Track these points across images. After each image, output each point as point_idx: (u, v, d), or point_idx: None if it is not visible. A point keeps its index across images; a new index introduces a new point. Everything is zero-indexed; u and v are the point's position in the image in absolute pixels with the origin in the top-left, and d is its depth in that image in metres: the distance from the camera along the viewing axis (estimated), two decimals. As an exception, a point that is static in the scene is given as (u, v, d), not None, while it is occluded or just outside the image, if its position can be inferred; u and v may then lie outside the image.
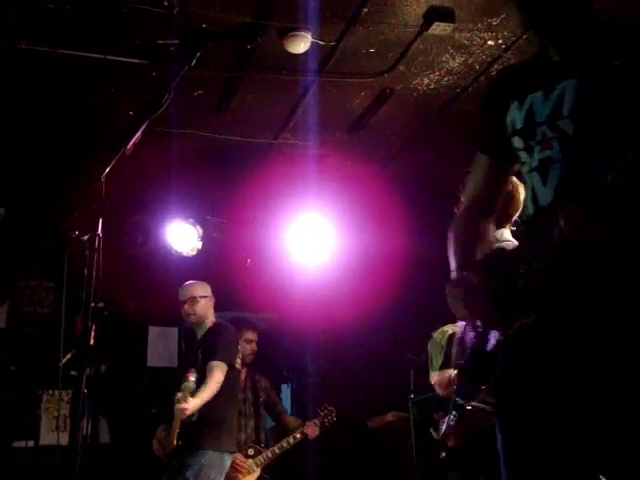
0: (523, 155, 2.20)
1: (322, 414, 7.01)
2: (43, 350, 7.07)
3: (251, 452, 6.69)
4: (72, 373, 6.19)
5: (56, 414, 7.34)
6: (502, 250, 2.19)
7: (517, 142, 2.21)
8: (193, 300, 5.81)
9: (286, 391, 9.41)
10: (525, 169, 2.21)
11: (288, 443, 6.84)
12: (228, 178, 7.39)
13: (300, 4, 4.74)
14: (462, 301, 2.11)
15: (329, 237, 7.87)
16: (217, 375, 5.46)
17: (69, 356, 5.61)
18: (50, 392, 7.35)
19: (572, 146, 2.03)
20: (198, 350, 5.67)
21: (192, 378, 5.37)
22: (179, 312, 5.95)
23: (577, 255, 1.85)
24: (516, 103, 2.22)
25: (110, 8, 4.70)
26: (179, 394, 5.33)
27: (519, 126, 2.20)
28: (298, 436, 6.86)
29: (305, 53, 5.19)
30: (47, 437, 7.37)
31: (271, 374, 7.69)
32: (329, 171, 7.35)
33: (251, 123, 6.43)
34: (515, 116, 2.21)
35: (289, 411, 9.12)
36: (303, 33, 5.02)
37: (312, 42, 5.09)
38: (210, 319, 5.83)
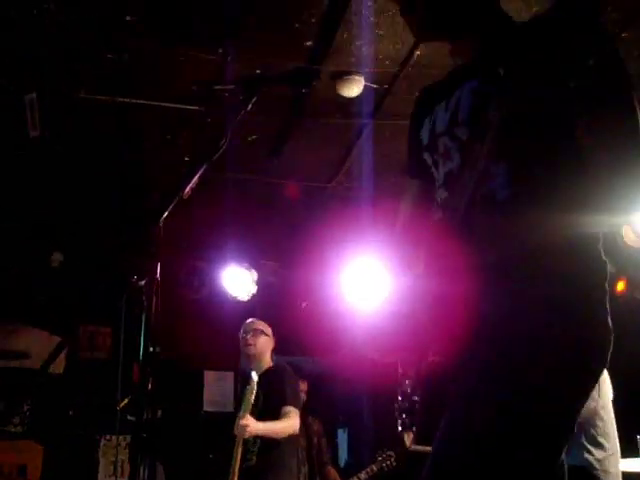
0: (434, 171, 2.11)
1: (380, 459, 6.89)
2: (101, 395, 7.13)
3: None
4: (129, 418, 6.24)
5: (113, 459, 7.37)
6: None
7: (427, 158, 2.12)
8: (256, 332, 5.74)
9: (342, 436, 9.33)
10: (436, 185, 2.10)
11: None
12: (282, 222, 7.43)
13: (353, 48, 4.77)
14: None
15: (384, 281, 7.82)
16: (294, 420, 5.33)
17: (126, 401, 5.64)
18: (107, 437, 7.39)
19: (467, 154, 1.90)
20: (259, 390, 5.57)
21: (254, 388, 5.25)
22: (235, 356, 5.93)
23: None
24: (427, 118, 2.12)
25: (166, 56, 4.79)
26: (242, 407, 5.23)
27: (425, 141, 2.11)
28: None
29: (358, 96, 5.22)
30: (104, 482, 7.39)
31: (327, 418, 7.63)
32: (383, 214, 7.33)
33: (305, 167, 6.46)
34: (423, 132, 2.13)
35: (346, 456, 9.03)
36: (356, 77, 5.04)
37: (365, 85, 5.12)
38: (268, 359, 5.76)
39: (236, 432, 5.17)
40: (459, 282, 1.84)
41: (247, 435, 5.15)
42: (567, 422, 1.80)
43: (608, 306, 1.85)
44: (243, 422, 5.14)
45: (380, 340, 2.04)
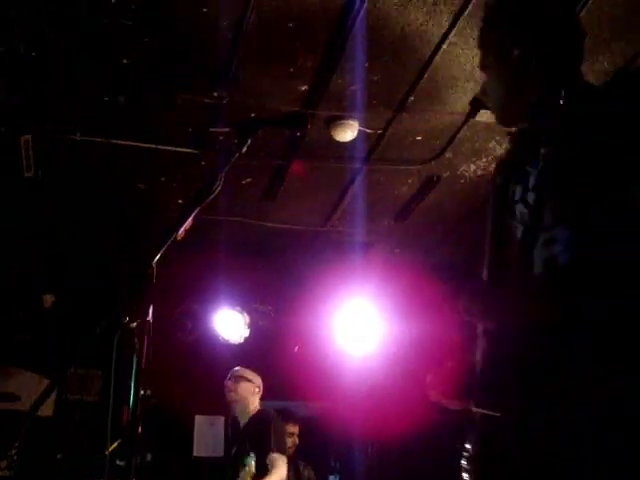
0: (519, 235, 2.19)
1: None
2: (90, 439, 7.04)
3: None
4: (118, 463, 6.16)
5: (101, 504, 7.25)
6: None
7: (514, 227, 2.20)
8: (237, 379, 5.76)
9: (334, 483, 9.21)
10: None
11: None
12: (276, 265, 7.42)
13: (347, 93, 4.81)
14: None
15: (376, 325, 7.81)
16: (281, 469, 5.30)
17: (115, 445, 5.57)
18: (96, 482, 7.29)
19: (533, 217, 2.01)
20: (244, 437, 5.54)
21: (252, 462, 5.23)
22: (226, 400, 5.89)
23: None
24: (511, 186, 2.21)
25: (161, 99, 4.81)
26: None
27: (512, 210, 2.19)
28: None
29: (352, 141, 5.25)
30: (92, 528, 7.28)
31: (318, 464, 7.54)
32: (376, 259, 7.34)
33: (299, 211, 6.47)
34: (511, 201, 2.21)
35: (337, 503, 8.90)
36: (350, 121, 5.08)
37: (359, 130, 5.15)
38: (254, 406, 5.73)
39: None
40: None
41: None
42: None
43: None
44: None
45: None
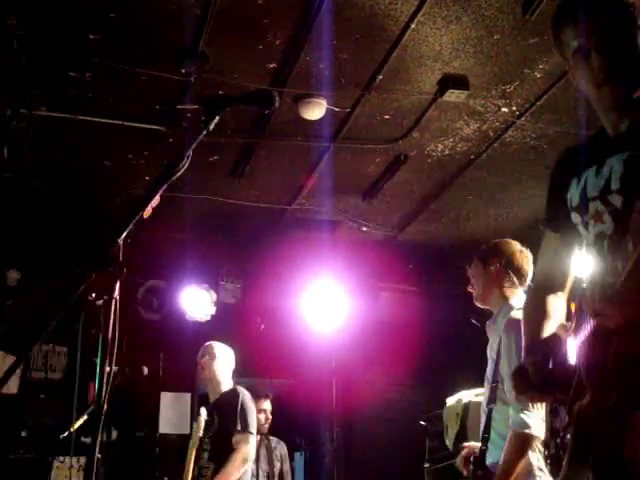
0: (582, 230, 2.25)
1: None
2: (55, 416, 7.02)
3: None
4: (83, 440, 6.15)
5: (66, 481, 7.24)
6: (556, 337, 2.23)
7: (575, 218, 2.26)
8: (212, 356, 5.71)
9: (299, 459, 9.27)
10: (585, 243, 2.27)
11: None
12: (242, 243, 7.42)
13: (315, 71, 4.80)
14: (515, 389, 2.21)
15: (343, 303, 7.85)
16: (244, 449, 5.30)
17: (81, 422, 5.56)
18: (61, 459, 7.26)
19: (622, 220, 2.05)
20: (213, 413, 5.53)
21: (200, 426, 5.24)
22: (192, 377, 5.88)
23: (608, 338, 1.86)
24: (575, 180, 2.26)
25: (129, 76, 4.77)
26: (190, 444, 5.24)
27: (575, 203, 2.24)
28: None
29: (320, 119, 5.25)
30: (56, 505, 7.26)
31: (284, 442, 7.59)
32: (343, 237, 7.36)
33: (266, 189, 6.47)
34: (573, 193, 2.26)
35: (302, 480, 8.95)
36: (318, 100, 5.08)
37: (327, 108, 5.15)
38: (224, 382, 5.71)
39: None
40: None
41: None
42: None
43: None
44: None
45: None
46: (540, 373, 2.11)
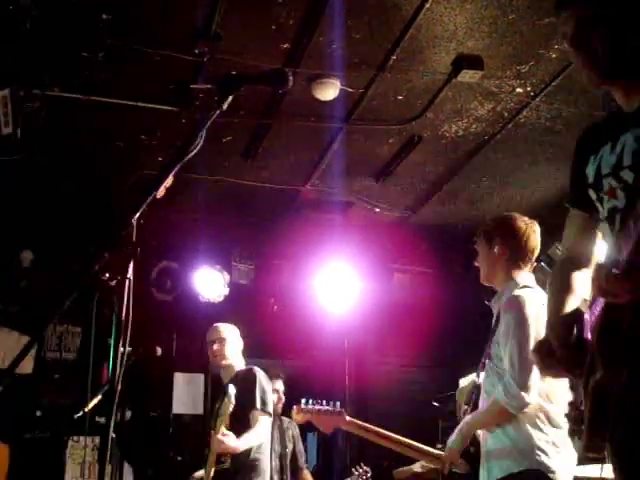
0: (598, 206, 2.28)
1: (357, 474, 6.74)
2: (69, 396, 7.06)
3: None
4: (97, 419, 6.19)
5: (81, 461, 7.30)
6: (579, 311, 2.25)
7: (592, 194, 2.29)
8: (222, 341, 5.68)
9: (312, 440, 9.32)
10: (600, 218, 2.30)
11: None
12: (255, 224, 7.42)
13: (329, 51, 4.78)
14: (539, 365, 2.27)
15: (356, 284, 7.85)
16: (261, 427, 5.31)
17: (95, 402, 5.58)
18: (75, 438, 7.32)
19: (635, 195, 2.07)
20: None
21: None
22: (205, 358, 5.87)
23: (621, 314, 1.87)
24: (592, 157, 2.29)
25: (142, 56, 4.76)
26: (218, 420, 5.18)
27: (591, 179, 2.27)
28: None
29: (333, 100, 5.22)
30: (72, 484, 7.32)
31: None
32: (356, 218, 7.35)
33: (279, 170, 6.45)
34: (589, 170, 2.29)
35: (315, 460, 8.99)
36: (332, 80, 5.05)
37: (340, 89, 5.12)
38: (237, 363, 5.71)
39: (212, 446, 5.15)
40: None
41: (221, 451, 5.14)
42: None
43: None
44: (219, 437, 5.12)
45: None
46: (564, 348, 2.14)
